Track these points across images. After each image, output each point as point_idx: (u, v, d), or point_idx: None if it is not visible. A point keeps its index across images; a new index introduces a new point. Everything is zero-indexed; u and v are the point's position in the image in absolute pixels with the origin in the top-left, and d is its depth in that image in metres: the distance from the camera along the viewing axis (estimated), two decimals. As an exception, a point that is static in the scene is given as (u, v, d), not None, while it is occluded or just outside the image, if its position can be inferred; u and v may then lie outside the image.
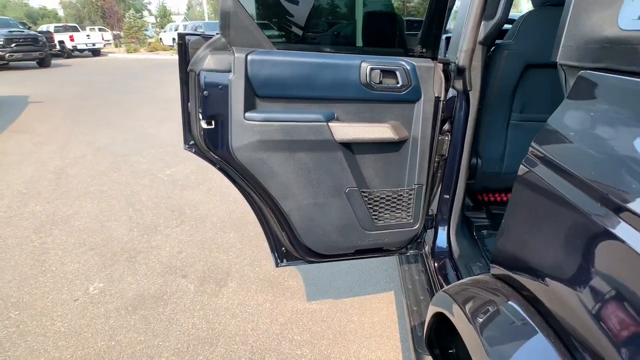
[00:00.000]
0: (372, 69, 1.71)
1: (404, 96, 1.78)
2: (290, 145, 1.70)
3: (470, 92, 1.86)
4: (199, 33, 1.68)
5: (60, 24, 26.57)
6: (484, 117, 2.09)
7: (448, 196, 2.05)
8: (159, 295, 3.02)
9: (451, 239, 2.07)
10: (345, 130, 1.74)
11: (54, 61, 20.09)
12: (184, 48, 1.66)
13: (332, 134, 1.73)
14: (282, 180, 1.75)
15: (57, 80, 14.50)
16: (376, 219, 1.96)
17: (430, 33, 1.84)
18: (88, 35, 24.71)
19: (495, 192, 2.53)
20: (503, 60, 1.98)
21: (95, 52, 25.46)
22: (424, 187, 1.96)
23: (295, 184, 1.77)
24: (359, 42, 2.77)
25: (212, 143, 1.66)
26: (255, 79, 1.59)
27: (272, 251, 1.99)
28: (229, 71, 1.58)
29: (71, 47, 23.92)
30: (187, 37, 1.66)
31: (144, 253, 3.58)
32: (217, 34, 1.65)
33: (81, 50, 24.73)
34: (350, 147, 1.82)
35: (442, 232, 2.10)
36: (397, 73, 1.75)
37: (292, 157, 1.73)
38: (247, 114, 1.62)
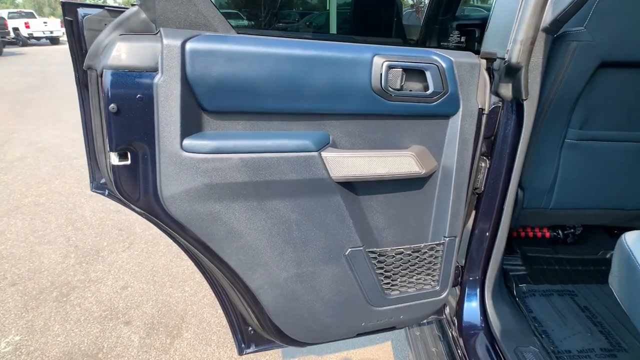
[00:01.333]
0: (390, 67, 1.08)
1: (435, 108, 1.17)
2: (260, 190, 1.06)
3: (525, 102, 1.25)
4: (102, 4, 0.99)
5: (16, 10, 24.78)
6: (531, 135, 1.49)
7: (483, 245, 1.45)
8: (92, 353, 2.33)
9: (487, 306, 1.47)
10: (347, 163, 1.11)
11: (6, 49, 18.81)
12: (76, 28, 0.98)
13: (326, 169, 1.09)
14: (247, 244, 1.11)
15: (6, 70, 13.28)
16: (389, 289, 1.34)
17: (474, 14, 1.21)
18: (45, 23, 23.03)
19: (533, 227, 1.96)
20: (568, 56, 1.39)
21: (54, 41, 23.80)
22: (458, 240, 1.35)
23: (267, 249, 1.13)
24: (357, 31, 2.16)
25: (128, 189, 1.00)
26: (200, 82, 0.95)
27: (234, 333, 1.35)
28: (154, 70, 0.92)
29: (27, 35, 22.25)
30: (79, 10, 0.98)
31: (79, 289, 2.87)
32: (133, 5, 0.98)
33: (38, 39, 23.05)
34: (353, 187, 1.18)
35: (472, 295, 1.50)
36: (428, 74, 1.13)
37: (262, 208, 1.09)
38: (186, 142, 0.97)
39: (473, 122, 1.24)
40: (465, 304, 1.51)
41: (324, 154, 1.10)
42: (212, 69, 0.97)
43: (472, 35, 1.66)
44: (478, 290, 1.51)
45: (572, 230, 1.97)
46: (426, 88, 1.17)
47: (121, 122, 0.95)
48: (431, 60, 1.15)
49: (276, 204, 1.11)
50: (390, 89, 1.12)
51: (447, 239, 1.34)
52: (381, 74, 1.10)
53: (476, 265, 1.50)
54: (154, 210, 1.04)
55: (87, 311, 2.68)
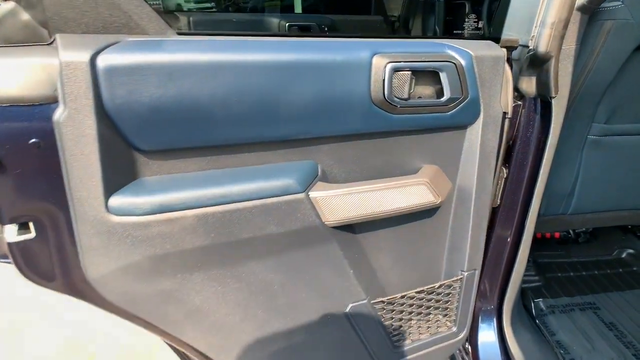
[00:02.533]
0: (395, 70, 0.80)
1: (451, 118, 0.90)
2: (229, 254, 0.77)
3: (553, 100, 1.00)
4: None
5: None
6: None
7: (500, 267, 1.22)
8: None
9: (506, 336, 1.26)
10: (343, 202, 0.84)
11: None
12: None
13: (317, 214, 0.81)
14: (217, 322, 0.83)
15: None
16: (398, 340, 1.09)
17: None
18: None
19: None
20: (601, 38, 1.13)
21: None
22: (478, 272, 1.10)
23: (245, 324, 0.85)
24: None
25: (36, 270, 0.69)
26: (126, 112, 0.64)
27: None
28: (52, 100, 0.61)
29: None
30: None
31: None
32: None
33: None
34: (352, 228, 0.91)
35: (488, 325, 1.28)
36: (443, 75, 0.85)
37: (233, 275, 0.81)
38: (113, 201, 0.67)
39: (496, 131, 0.98)
40: (481, 336, 1.29)
41: (312, 194, 0.81)
42: (143, 92, 0.65)
43: (459, 11, 1.37)
44: (495, 319, 1.29)
45: (583, 229, 1.78)
46: (440, 93, 0.88)
47: (10, 181, 0.62)
48: (446, 56, 0.86)
49: (252, 266, 0.82)
50: (396, 98, 0.83)
51: (466, 273, 1.09)
52: (384, 80, 0.81)
53: (492, 291, 1.26)
54: (81, 293, 0.73)
55: None
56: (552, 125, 1.05)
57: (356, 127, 0.83)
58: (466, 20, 1.09)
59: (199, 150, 0.74)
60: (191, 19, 1.71)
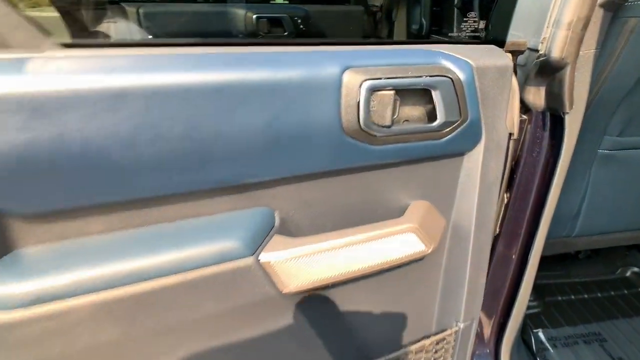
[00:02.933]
0: (373, 90, 0.59)
1: (445, 146, 0.72)
2: (148, 346, 0.56)
3: (567, 115, 0.82)
4: None
5: None
6: None
7: (498, 302, 1.05)
8: None
9: None
10: (308, 263, 0.65)
11: None
12: None
13: (271, 281, 0.61)
14: None
15: None
16: None
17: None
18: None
19: None
20: (622, 39, 0.95)
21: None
22: (476, 323, 0.92)
23: None
24: None
25: None
26: None
27: None
28: None
29: None
30: None
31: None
32: None
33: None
34: (319, 296, 0.71)
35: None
36: (436, 94, 0.65)
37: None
38: None
39: (500, 157, 0.79)
40: None
41: (265, 256, 0.61)
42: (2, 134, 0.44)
43: (453, 2, 1.16)
44: None
45: None
46: (432, 115, 0.69)
47: None
48: (441, 69, 0.66)
49: (184, 358, 0.61)
50: (375, 126, 0.63)
51: (462, 324, 0.91)
52: (359, 104, 0.60)
53: (490, 333, 1.09)
54: None
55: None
56: (565, 144, 0.86)
57: (324, 165, 0.63)
58: (462, 16, 0.89)
59: (102, 206, 0.53)
60: (109, 13, 1.17)
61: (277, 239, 0.64)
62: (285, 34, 1.64)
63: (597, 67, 0.98)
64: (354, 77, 0.60)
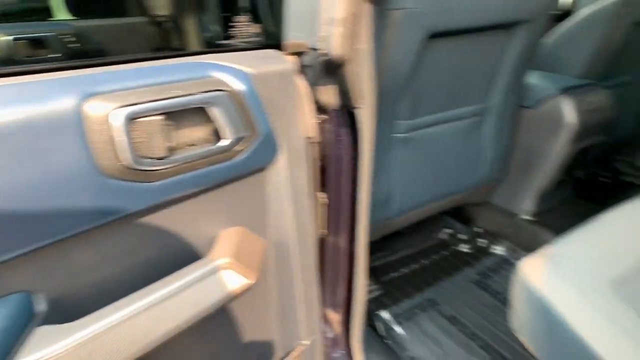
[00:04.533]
0: (132, 117, 0.48)
1: (241, 165, 0.64)
2: None
3: (359, 109, 0.84)
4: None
5: None
6: None
7: (340, 305, 1.04)
8: None
9: None
10: (91, 349, 0.49)
11: None
12: None
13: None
14: None
15: None
16: None
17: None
18: None
19: None
20: (391, 30, 1.01)
21: None
22: (320, 335, 0.89)
23: None
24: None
25: None
26: None
27: None
28: None
29: None
30: None
31: None
32: None
33: None
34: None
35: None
36: (215, 111, 0.56)
37: None
38: None
39: (303, 162, 0.76)
40: None
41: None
42: None
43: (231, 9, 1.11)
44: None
45: None
46: (217, 134, 0.60)
47: None
48: (212, 82, 0.58)
49: None
50: (146, 160, 0.51)
51: (307, 340, 0.86)
52: (113, 137, 0.48)
53: (342, 328, 1.08)
54: None
55: None
56: (364, 136, 0.88)
57: (90, 219, 0.49)
58: (236, 21, 0.83)
59: None
60: None
61: (42, 332, 0.48)
62: (53, 56, 1.38)
63: (376, 60, 1.04)
64: (99, 107, 0.47)
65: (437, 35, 1.07)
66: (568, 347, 0.76)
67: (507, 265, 1.62)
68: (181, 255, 0.63)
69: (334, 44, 0.74)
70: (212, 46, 1.03)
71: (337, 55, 0.75)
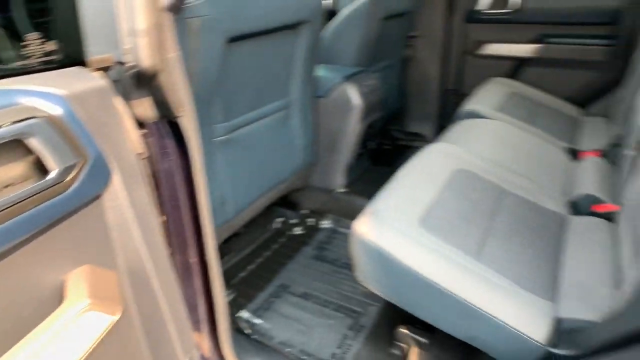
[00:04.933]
0: None
1: (76, 197, 0.59)
2: None
3: (180, 118, 0.86)
4: None
5: None
6: None
7: (205, 318, 1.05)
8: None
9: None
10: None
11: None
12: None
13: None
14: None
15: None
16: None
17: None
18: None
19: None
20: (193, 37, 1.01)
21: None
22: (197, 353, 0.88)
23: None
24: None
25: None
26: None
27: None
28: None
29: None
30: None
31: None
32: None
33: None
34: None
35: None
36: (35, 142, 0.51)
37: None
38: None
39: (139, 180, 0.73)
40: None
41: None
42: None
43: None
44: None
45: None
46: (41, 167, 0.54)
47: None
48: (22, 110, 0.52)
49: None
50: None
51: None
52: None
53: (211, 341, 1.08)
54: None
55: None
56: (190, 145, 0.89)
57: None
58: (28, 40, 0.72)
59: None
60: None
61: None
62: None
63: (184, 67, 1.05)
64: None
65: (236, 39, 1.14)
66: (402, 278, 0.94)
67: (336, 234, 1.84)
68: (30, 313, 0.54)
69: (141, 55, 0.73)
70: (6, 71, 0.86)
71: (147, 67, 0.74)
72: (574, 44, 2.18)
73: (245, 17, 1.13)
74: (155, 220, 0.77)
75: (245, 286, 1.54)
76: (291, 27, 1.35)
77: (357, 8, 1.86)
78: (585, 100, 2.21)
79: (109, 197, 0.67)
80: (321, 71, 1.74)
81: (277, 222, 1.90)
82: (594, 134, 1.83)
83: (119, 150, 0.67)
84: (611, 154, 1.55)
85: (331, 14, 2.11)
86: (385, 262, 0.94)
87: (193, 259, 0.98)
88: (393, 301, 1.03)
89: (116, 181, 0.67)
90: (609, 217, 1.19)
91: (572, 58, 2.21)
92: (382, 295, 1.03)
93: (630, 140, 1.24)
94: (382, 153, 2.40)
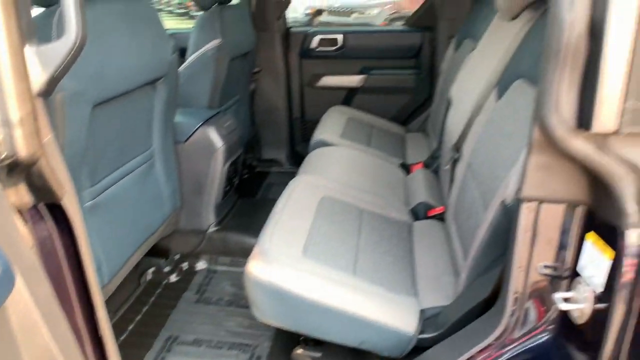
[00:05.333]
0: None
1: None
2: None
3: (63, 200, 0.85)
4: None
5: None
6: None
7: None
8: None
9: None
10: None
11: None
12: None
13: None
14: None
15: None
16: None
17: None
18: None
19: None
20: (59, 112, 0.95)
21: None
22: None
23: None
24: None
25: None
26: None
27: None
28: None
29: None
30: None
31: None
32: None
33: None
34: None
35: None
36: None
37: None
38: None
39: (40, 276, 0.70)
40: None
41: None
42: None
43: None
44: None
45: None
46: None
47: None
48: None
49: None
50: None
51: None
52: None
53: None
54: None
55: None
56: (75, 224, 0.86)
57: None
58: None
59: None
60: None
61: None
62: None
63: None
64: None
65: (100, 104, 1.12)
66: (296, 307, 1.06)
67: (213, 274, 1.86)
68: None
69: (18, 146, 0.70)
70: None
71: (25, 156, 0.72)
72: (389, 74, 2.65)
73: (107, 84, 1.12)
74: (61, 314, 0.73)
75: (130, 348, 1.47)
76: (149, 83, 1.36)
77: (204, 54, 1.94)
78: (405, 119, 2.70)
79: (13, 304, 0.63)
80: (179, 117, 1.76)
81: (149, 274, 1.83)
82: (416, 148, 2.25)
83: (16, 249, 0.63)
84: (431, 164, 1.95)
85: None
86: (280, 296, 1.05)
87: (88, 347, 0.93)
88: (288, 328, 1.13)
89: (19, 284, 0.63)
90: (441, 217, 1.52)
91: (390, 85, 2.68)
92: (278, 326, 1.13)
93: (446, 157, 1.59)
94: (244, 183, 2.50)
